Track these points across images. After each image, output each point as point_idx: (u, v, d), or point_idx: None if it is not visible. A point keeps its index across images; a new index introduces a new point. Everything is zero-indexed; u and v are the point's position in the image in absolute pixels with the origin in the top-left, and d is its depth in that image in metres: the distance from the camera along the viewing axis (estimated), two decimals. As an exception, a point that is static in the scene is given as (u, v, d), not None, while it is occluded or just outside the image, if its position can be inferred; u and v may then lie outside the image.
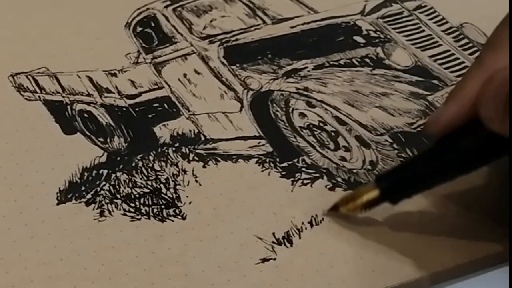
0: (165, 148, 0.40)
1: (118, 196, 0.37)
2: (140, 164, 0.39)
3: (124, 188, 0.37)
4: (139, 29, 0.46)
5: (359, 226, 0.36)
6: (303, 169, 0.39)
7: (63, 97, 0.42)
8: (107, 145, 0.39)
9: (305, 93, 0.42)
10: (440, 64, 0.46)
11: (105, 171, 0.38)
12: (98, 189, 0.37)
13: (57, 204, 0.36)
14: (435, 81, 0.44)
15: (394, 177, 0.35)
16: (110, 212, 0.36)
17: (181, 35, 0.46)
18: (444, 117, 0.33)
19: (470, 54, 0.47)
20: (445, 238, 0.36)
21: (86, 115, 0.41)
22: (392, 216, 0.37)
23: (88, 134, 0.40)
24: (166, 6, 0.48)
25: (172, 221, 0.36)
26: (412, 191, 0.35)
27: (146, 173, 0.38)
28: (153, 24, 0.47)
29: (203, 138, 0.40)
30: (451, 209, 0.37)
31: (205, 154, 0.39)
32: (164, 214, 0.36)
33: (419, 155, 0.36)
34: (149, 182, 0.38)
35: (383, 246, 0.35)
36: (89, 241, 0.34)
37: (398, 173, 0.35)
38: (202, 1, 0.49)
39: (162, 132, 0.41)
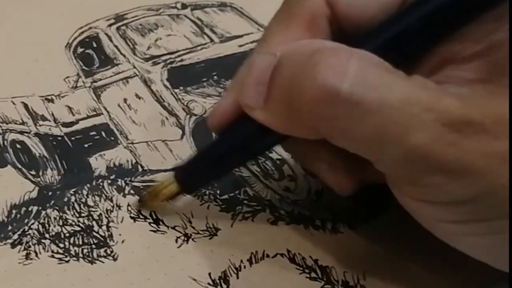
0: (100, 180, 0.38)
1: (47, 235, 0.35)
2: (73, 199, 0.37)
3: (54, 226, 0.35)
4: (80, 50, 0.44)
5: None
6: (245, 201, 0.37)
7: (-5, 126, 0.40)
8: (39, 179, 0.37)
9: (251, 117, 0.40)
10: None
11: (35, 208, 0.36)
12: (26, 228, 0.35)
13: (-20, 246, 0.34)
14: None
15: (189, 168, 0.35)
16: (37, 254, 0.34)
17: (124, 56, 0.44)
18: (218, 112, 0.33)
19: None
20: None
21: (18, 146, 0.39)
22: (335, 254, 0.35)
23: (20, 167, 0.38)
24: (110, 25, 0.46)
25: (103, 262, 0.34)
26: (205, 179, 0.35)
27: (78, 209, 0.36)
28: (95, 45, 0.45)
29: (140, 169, 0.38)
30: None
31: (141, 187, 0.37)
32: (95, 255, 0.34)
33: (210, 145, 0.35)
34: (81, 219, 0.36)
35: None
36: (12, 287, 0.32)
37: (192, 164, 0.35)
38: (147, 19, 0.47)
39: (98, 163, 0.39)
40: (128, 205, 0.36)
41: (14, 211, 0.36)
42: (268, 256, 0.35)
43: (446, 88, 0.28)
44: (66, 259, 0.34)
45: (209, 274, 0.34)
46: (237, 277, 0.34)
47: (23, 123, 0.40)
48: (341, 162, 0.31)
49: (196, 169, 0.35)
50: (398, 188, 0.29)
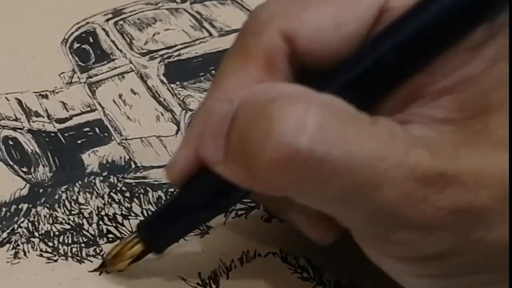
0: (92, 177, 0.37)
1: (36, 234, 0.34)
2: (64, 196, 0.36)
3: (44, 224, 0.35)
4: (76, 45, 0.44)
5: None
6: (239, 198, 0.36)
7: (-13, 123, 0.39)
8: (30, 176, 0.37)
9: (248, 112, 0.39)
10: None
11: (25, 206, 0.36)
12: (16, 226, 0.35)
13: (-31, 245, 0.33)
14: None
15: (153, 225, 0.32)
16: (25, 253, 0.34)
17: (120, 51, 0.44)
18: (177, 165, 0.29)
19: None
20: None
21: (11, 143, 0.38)
22: (329, 254, 0.34)
23: (11, 163, 0.37)
24: (107, 20, 0.45)
25: (91, 261, 0.33)
26: (172, 236, 0.32)
27: (69, 207, 0.36)
28: (91, 40, 0.44)
29: (133, 166, 0.38)
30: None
31: (134, 184, 0.37)
32: (83, 254, 0.34)
33: (172, 200, 0.32)
34: (71, 217, 0.35)
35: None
36: (-1, 287, 0.32)
37: (155, 221, 0.32)
38: (146, 13, 0.46)
39: (91, 159, 0.38)
40: (120, 201, 0.36)
41: (4, 209, 0.35)
42: (260, 255, 0.34)
43: (413, 131, 0.25)
44: (55, 258, 0.33)
45: (199, 274, 0.33)
46: (227, 277, 0.33)
47: (16, 119, 0.40)
48: (319, 212, 0.27)
49: (161, 227, 0.31)
50: (366, 244, 0.27)
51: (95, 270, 0.33)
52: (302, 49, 0.27)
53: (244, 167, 0.26)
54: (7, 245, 0.34)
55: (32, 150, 0.38)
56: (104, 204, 0.36)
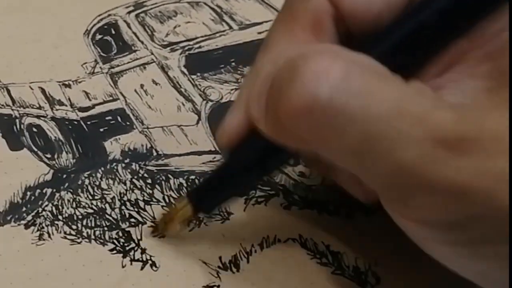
0: (114, 164, 0.38)
1: (60, 217, 0.35)
2: (87, 182, 0.37)
3: (67, 208, 0.36)
4: (98, 36, 0.44)
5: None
6: (259, 186, 0.37)
7: (12, 110, 0.40)
8: (54, 162, 0.38)
9: (268, 103, 0.40)
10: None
11: (49, 190, 0.36)
12: (40, 209, 0.35)
13: (-6, 227, 0.34)
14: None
15: (203, 189, 0.33)
16: (49, 235, 0.34)
17: (142, 42, 0.44)
18: (228, 128, 0.30)
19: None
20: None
21: (35, 130, 0.39)
22: (348, 240, 0.34)
23: (35, 150, 0.38)
24: (129, 12, 0.46)
25: (114, 244, 0.34)
26: (220, 199, 0.33)
27: (91, 192, 0.36)
28: (113, 32, 0.45)
29: (155, 154, 0.38)
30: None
31: (155, 171, 0.37)
32: (106, 237, 0.34)
33: (222, 164, 0.33)
34: (94, 202, 0.36)
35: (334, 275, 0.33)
36: (25, 267, 0.33)
37: (205, 185, 0.34)
38: (167, 6, 0.47)
39: (113, 147, 0.39)
40: (141, 187, 0.36)
41: (28, 193, 0.36)
42: (279, 240, 0.35)
43: (445, 96, 0.25)
44: (78, 240, 0.34)
45: (220, 257, 0.34)
46: (248, 262, 0.34)
47: (40, 107, 0.40)
48: None
49: (210, 190, 0.33)
50: (389, 207, 0.27)
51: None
52: (346, 10, 0.28)
53: (273, 118, 0.26)
54: (32, 227, 0.34)
55: (55, 137, 0.39)
56: (126, 190, 0.37)
